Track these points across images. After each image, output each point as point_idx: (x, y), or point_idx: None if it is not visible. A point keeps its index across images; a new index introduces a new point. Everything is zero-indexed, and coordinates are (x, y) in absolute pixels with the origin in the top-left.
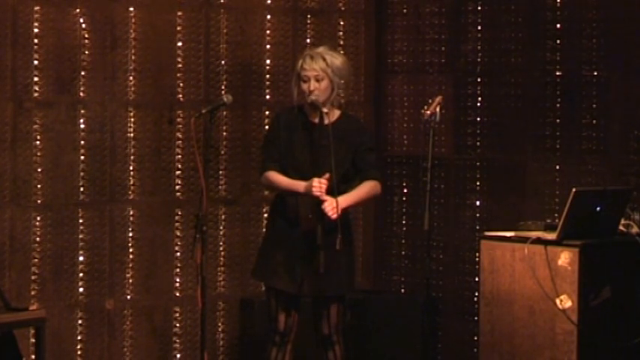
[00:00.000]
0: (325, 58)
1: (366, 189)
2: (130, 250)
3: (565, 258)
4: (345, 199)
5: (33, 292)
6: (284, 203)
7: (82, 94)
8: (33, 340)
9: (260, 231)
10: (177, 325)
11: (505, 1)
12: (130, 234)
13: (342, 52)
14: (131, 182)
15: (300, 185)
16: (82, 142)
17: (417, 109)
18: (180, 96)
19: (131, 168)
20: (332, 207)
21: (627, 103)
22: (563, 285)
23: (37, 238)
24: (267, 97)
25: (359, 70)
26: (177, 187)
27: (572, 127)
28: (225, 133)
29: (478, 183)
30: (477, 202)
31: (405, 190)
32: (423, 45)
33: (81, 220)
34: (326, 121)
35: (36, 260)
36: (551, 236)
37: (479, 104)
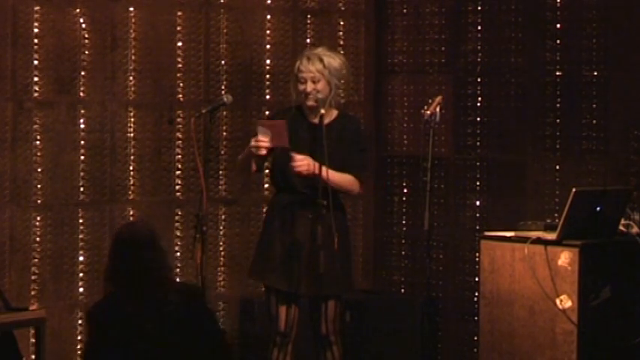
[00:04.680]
0: (322, 60)
1: (346, 178)
2: None
3: (565, 258)
4: (327, 171)
5: (33, 292)
6: (281, 202)
7: (82, 94)
8: (33, 340)
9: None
10: None
11: (505, 1)
12: None
13: (342, 52)
14: (131, 182)
15: (250, 152)
16: (82, 142)
17: (417, 109)
18: (180, 96)
19: (131, 168)
20: (302, 162)
21: (627, 103)
22: (563, 285)
23: (37, 238)
24: (267, 97)
25: (359, 70)
26: (177, 187)
27: (572, 127)
28: (225, 133)
29: (478, 183)
30: (477, 202)
31: (405, 190)
32: (423, 45)
33: (81, 220)
34: (326, 121)
35: (36, 260)
36: (551, 236)
37: (479, 104)
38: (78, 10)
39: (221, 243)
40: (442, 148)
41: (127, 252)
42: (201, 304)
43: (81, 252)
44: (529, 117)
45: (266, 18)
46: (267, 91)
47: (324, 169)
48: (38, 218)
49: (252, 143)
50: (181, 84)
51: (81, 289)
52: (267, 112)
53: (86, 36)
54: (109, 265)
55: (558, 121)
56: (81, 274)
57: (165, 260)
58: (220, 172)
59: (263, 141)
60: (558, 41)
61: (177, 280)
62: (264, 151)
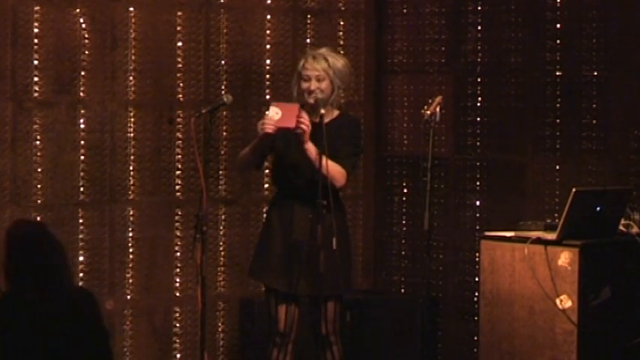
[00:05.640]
0: (327, 60)
1: (335, 167)
2: (130, 250)
3: (565, 258)
4: (327, 161)
5: None
6: (281, 202)
7: (82, 94)
8: None
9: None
10: (177, 325)
11: (505, 1)
12: (130, 234)
13: (342, 52)
14: (131, 182)
15: (257, 135)
16: (82, 142)
17: (417, 109)
18: (180, 96)
19: (131, 168)
20: (305, 119)
21: (627, 103)
22: (563, 285)
23: None
24: (267, 97)
25: (359, 70)
26: (177, 187)
27: (572, 127)
28: (225, 133)
29: (478, 183)
30: (477, 202)
31: (405, 190)
32: (423, 45)
33: (81, 220)
34: (325, 120)
35: None
36: (551, 236)
37: (479, 104)
38: (78, 10)
39: (221, 243)
40: (442, 148)
41: (14, 250)
42: (85, 307)
43: (81, 252)
44: (529, 117)
45: (266, 18)
46: (267, 91)
47: (323, 161)
48: (38, 218)
49: (260, 123)
50: (181, 84)
51: None
52: (267, 112)
53: (86, 36)
54: (3, 264)
55: (558, 121)
56: (81, 274)
57: (54, 260)
58: (220, 172)
59: (271, 120)
60: (558, 41)
61: (71, 282)
62: (271, 129)
